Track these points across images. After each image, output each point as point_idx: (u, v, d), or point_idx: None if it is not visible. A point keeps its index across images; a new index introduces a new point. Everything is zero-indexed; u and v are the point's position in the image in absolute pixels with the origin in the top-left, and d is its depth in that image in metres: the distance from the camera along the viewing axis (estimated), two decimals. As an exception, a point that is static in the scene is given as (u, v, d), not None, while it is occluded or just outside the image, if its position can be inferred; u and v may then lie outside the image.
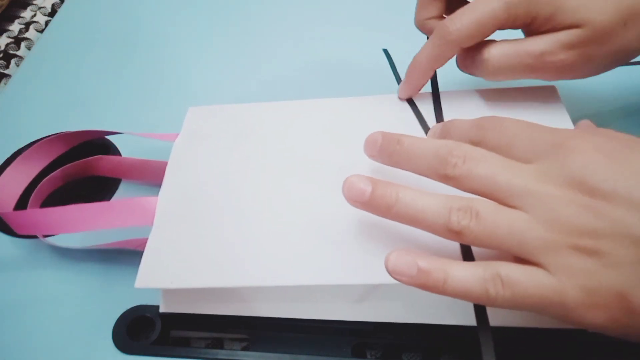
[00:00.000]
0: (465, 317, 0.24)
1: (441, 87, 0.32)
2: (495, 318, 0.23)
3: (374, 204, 0.23)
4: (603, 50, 0.28)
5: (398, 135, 0.24)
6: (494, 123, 0.24)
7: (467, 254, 0.24)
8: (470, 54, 0.29)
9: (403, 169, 0.24)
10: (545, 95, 0.31)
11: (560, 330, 0.25)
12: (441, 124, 0.27)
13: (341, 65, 0.42)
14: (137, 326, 0.29)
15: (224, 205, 0.28)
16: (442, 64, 0.30)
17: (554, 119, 0.30)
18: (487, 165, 0.22)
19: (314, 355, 0.27)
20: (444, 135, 0.26)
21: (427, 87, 0.32)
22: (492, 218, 0.21)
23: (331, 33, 0.46)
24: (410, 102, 0.32)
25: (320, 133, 0.31)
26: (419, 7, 0.33)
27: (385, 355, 0.28)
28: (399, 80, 0.34)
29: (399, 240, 0.25)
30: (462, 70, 0.31)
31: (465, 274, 0.21)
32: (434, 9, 0.32)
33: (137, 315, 0.29)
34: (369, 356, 0.28)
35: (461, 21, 0.28)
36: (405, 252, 0.22)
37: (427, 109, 0.31)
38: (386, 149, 0.24)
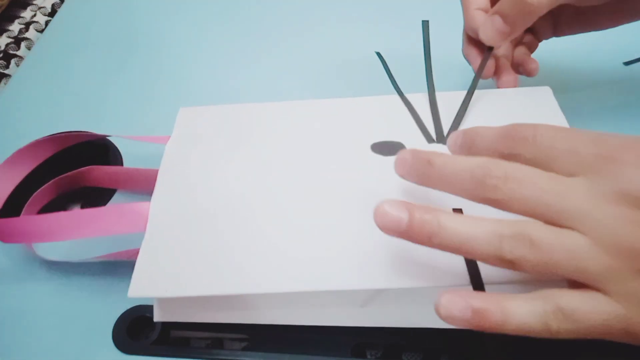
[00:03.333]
0: None
1: (437, 88, 0.32)
2: None
3: (413, 233, 0.21)
4: None
5: (428, 154, 0.22)
6: (525, 133, 0.22)
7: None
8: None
9: (436, 189, 0.22)
10: (540, 97, 0.31)
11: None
12: (461, 132, 0.25)
13: (337, 66, 0.42)
14: (137, 326, 0.29)
15: (219, 210, 0.28)
16: None
17: (550, 120, 0.30)
18: (531, 185, 0.20)
19: (314, 355, 0.27)
20: (467, 146, 0.24)
21: (423, 89, 0.32)
22: (547, 243, 0.19)
23: (326, 34, 0.46)
24: (407, 103, 0.32)
25: (317, 134, 0.31)
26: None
27: (385, 355, 0.28)
28: (393, 81, 0.34)
29: (401, 243, 0.25)
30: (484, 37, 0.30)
31: (524, 311, 0.20)
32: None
33: (137, 315, 0.29)
34: (369, 356, 0.28)
35: None
36: (457, 295, 0.20)
37: (423, 110, 0.31)
38: (416, 170, 0.23)
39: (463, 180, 0.21)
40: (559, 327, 0.19)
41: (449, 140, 0.25)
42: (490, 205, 0.21)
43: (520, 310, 0.20)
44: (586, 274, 0.19)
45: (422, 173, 0.22)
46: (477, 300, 0.20)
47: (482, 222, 0.20)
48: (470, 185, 0.21)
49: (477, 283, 0.23)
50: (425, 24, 0.34)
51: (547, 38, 0.34)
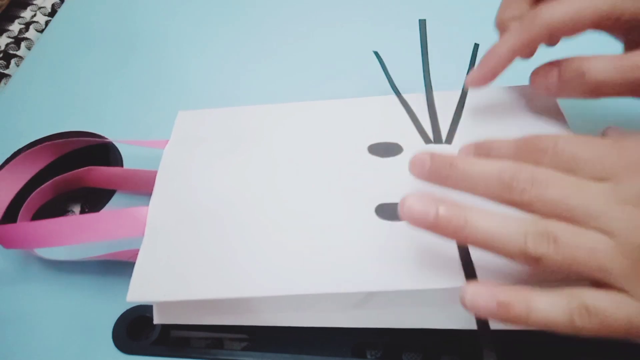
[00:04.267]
0: (466, 321, 0.24)
1: (435, 88, 0.32)
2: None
3: (440, 226, 0.21)
4: None
5: (449, 157, 0.23)
6: (544, 144, 0.22)
7: (465, 258, 0.24)
8: (556, 66, 0.27)
9: (457, 189, 0.23)
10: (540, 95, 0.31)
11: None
12: (472, 145, 0.25)
13: (335, 66, 0.42)
14: (137, 326, 0.29)
15: (218, 214, 0.28)
16: (525, 54, 0.27)
17: (550, 117, 0.30)
18: (557, 189, 0.21)
19: (314, 355, 0.27)
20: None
21: (421, 89, 0.32)
22: (571, 243, 0.20)
23: (324, 35, 0.45)
24: (405, 103, 0.32)
25: (315, 137, 0.31)
26: (503, 6, 0.30)
27: (385, 355, 0.28)
28: (391, 81, 0.34)
29: (399, 244, 0.25)
30: (535, 89, 0.28)
31: (549, 306, 0.20)
32: (518, 7, 0.29)
33: (137, 315, 0.29)
34: (369, 356, 0.28)
35: (558, 7, 0.25)
36: (483, 286, 0.21)
37: (421, 111, 0.31)
38: (438, 173, 0.23)
39: (489, 183, 0.22)
40: (583, 323, 0.20)
41: (460, 152, 0.26)
42: (516, 207, 0.21)
43: (545, 305, 0.20)
44: (608, 274, 0.20)
45: (446, 175, 0.23)
46: (503, 292, 0.20)
47: (507, 219, 0.21)
48: (496, 188, 0.21)
49: None
50: (423, 23, 0.33)
51: None
